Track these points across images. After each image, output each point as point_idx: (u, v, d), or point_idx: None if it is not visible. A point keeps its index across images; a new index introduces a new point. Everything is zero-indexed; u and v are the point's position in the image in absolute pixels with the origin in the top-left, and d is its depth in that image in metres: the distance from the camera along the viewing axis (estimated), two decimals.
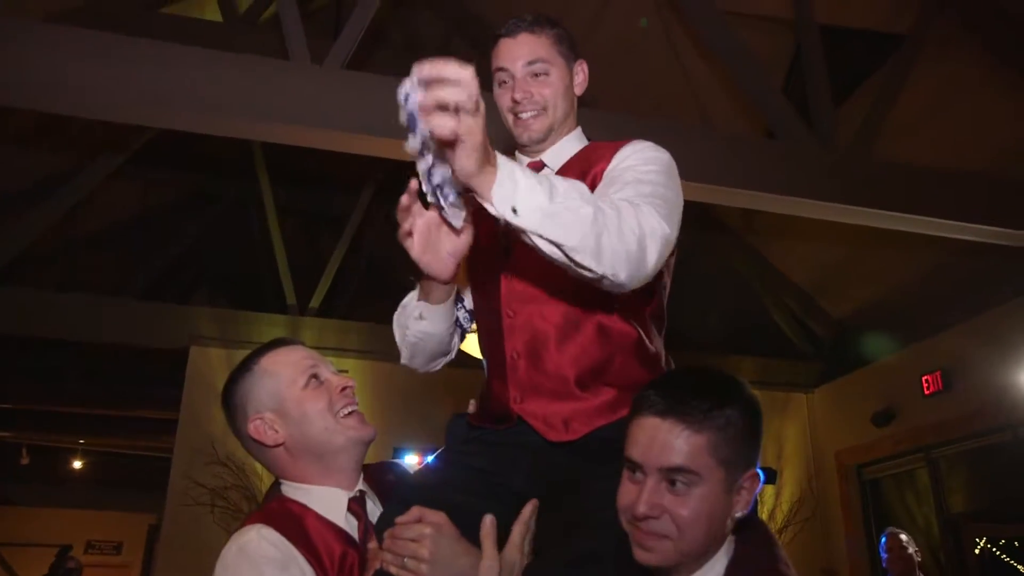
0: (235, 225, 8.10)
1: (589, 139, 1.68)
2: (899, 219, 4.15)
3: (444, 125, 1.03)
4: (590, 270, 1.21)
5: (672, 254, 1.53)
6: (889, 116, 4.63)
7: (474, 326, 1.70)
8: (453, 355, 1.72)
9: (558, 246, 1.17)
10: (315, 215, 7.97)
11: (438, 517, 1.30)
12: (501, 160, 1.15)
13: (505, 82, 1.59)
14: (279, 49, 3.58)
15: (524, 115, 1.57)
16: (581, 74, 1.66)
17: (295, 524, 1.37)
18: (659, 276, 1.53)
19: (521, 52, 1.57)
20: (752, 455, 1.21)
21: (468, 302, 1.68)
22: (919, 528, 6.06)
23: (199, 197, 7.86)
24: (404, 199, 1.30)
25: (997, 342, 5.33)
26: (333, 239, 7.04)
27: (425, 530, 1.28)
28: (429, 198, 1.22)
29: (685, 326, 7.46)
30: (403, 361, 1.68)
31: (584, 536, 1.27)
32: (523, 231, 1.17)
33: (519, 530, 1.33)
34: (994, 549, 5.61)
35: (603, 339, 1.47)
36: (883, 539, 4.73)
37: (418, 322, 1.56)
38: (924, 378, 5.87)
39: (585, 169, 1.54)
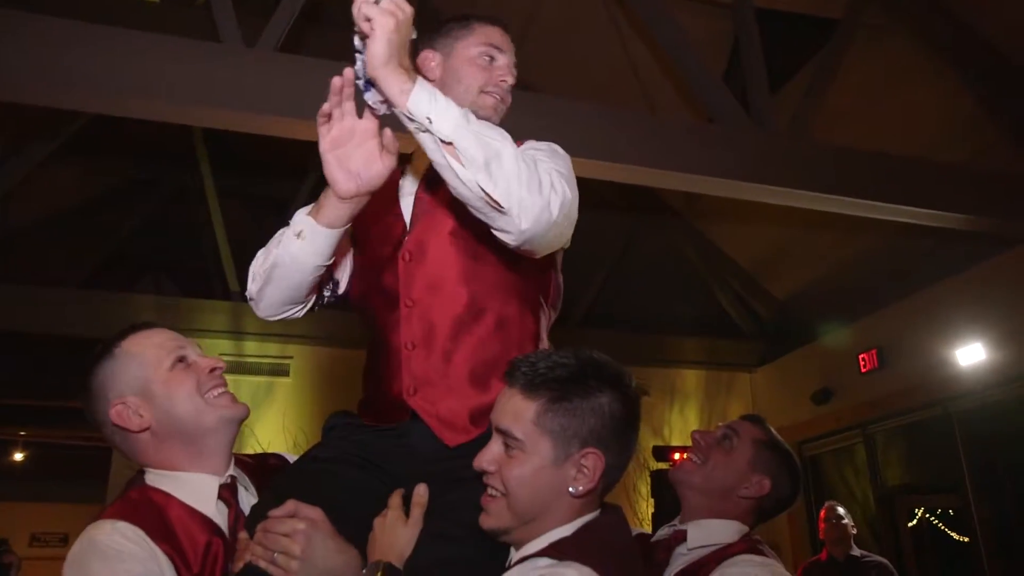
0: (177, 211, 7.94)
1: None
2: (833, 201, 4.24)
3: (360, 10, 1.18)
4: (491, 198, 1.21)
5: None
6: (825, 101, 4.72)
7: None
8: (301, 311, 1.60)
9: (466, 161, 1.20)
10: (260, 199, 7.84)
11: (314, 512, 1.26)
12: (422, 80, 1.21)
13: (495, 59, 1.58)
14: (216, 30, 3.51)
15: (509, 96, 1.60)
16: None
17: (155, 515, 1.29)
18: (553, 264, 1.56)
19: (512, 49, 1.63)
20: (591, 434, 1.20)
21: (341, 285, 1.64)
22: (857, 501, 6.25)
23: (139, 183, 7.68)
24: (336, 81, 1.30)
25: (929, 321, 5.50)
26: (278, 224, 6.94)
27: (299, 525, 1.24)
28: (359, 80, 1.28)
29: (631, 307, 7.54)
30: (248, 292, 1.56)
31: (453, 541, 1.26)
32: (435, 141, 1.20)
33: (417, 512, 1.31)
34: (932, 519, 5.80)
35: (501, 332, 1.46)
36: (822, 511, 4.87)
37: (292, 241, 1.43)
38: (860, 356, 6.04)
39: None
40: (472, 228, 1.46)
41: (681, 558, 1.71)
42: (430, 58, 1.58)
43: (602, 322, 7.35)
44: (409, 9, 1.20)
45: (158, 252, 8.48)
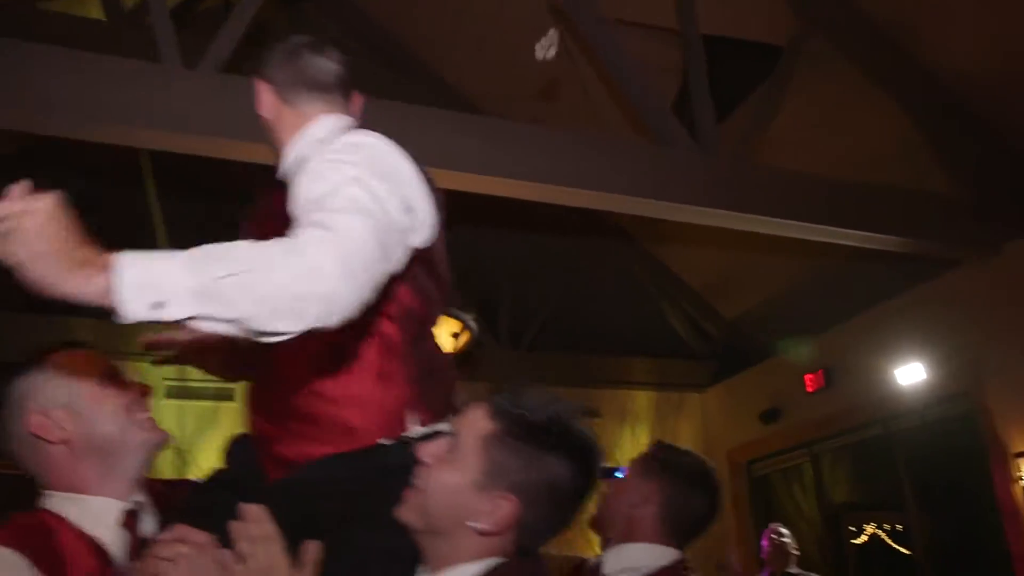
0: (122, 232, 7.77)
1: None
2: (776, 224, 4.32)
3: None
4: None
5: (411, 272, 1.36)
6: (770, 127, 4.81)
7: None
8: None
9: (231, 322, 1.03)
10: (205, 221, 7.72)
11: (201, 537, 1.20)
12: (125, 258, 0.99)
13: None
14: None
15: None
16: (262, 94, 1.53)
17: (41, 540, 1.26)
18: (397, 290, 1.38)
19: None
20: (520, 483, 1.16)
21: None
22: (806, 520, 6.32)
23: (82, 203, 7.49)
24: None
25: (872, 341, 5.62)
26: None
27: (183, 550, 1.18)
28: None
29: (581, 329, 7.56)
30: None
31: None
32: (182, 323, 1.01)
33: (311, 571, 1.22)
34: (877, 536, 5.88)
35: (337, 362, 1.36)
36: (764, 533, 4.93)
37: None
38: (807, 376, 6.13)
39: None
40: None
41: None
42: None
43: (553, 344, 7.36)
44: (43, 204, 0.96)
45: None
